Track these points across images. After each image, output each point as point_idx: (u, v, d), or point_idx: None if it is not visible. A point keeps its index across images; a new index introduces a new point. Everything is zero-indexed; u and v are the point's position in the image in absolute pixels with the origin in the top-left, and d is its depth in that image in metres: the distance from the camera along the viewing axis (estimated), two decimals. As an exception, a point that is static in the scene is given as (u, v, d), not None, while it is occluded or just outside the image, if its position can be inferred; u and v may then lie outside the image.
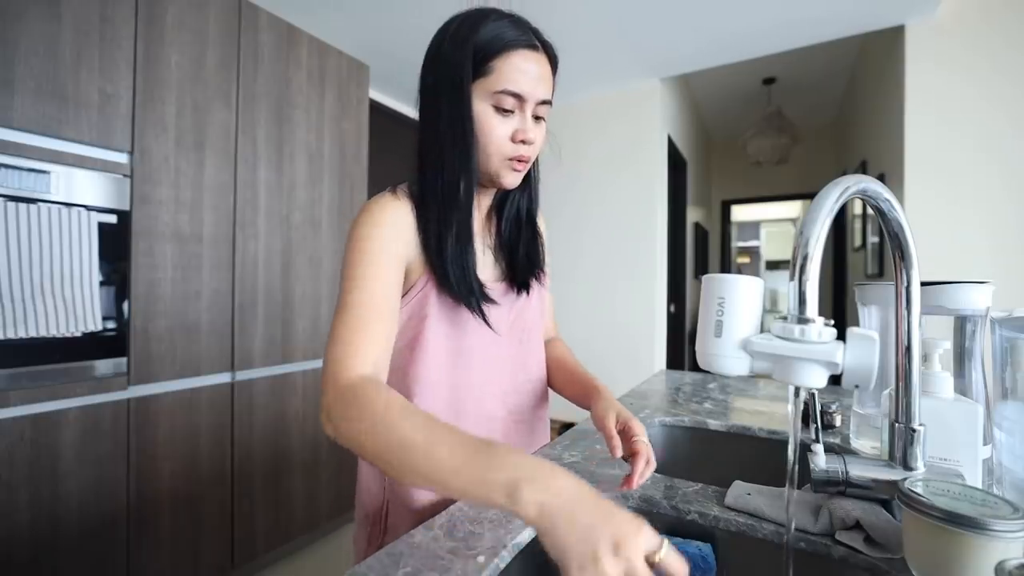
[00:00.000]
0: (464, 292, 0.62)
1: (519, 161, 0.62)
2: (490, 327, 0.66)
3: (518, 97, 0.59)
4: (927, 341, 0.55)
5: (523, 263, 0.71)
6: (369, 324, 0.54)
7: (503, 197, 0.72)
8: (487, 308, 0.64)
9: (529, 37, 0.60)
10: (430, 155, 0.62)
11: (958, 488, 0.42)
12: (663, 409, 1.02)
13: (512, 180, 0.63)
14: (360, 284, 0.55)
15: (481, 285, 0.64)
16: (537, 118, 0.62)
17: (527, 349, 0.75)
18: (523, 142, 0.60)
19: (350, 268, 0.57)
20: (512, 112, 0.60)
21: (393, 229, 0.59)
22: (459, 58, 0.58)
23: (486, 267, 0.69)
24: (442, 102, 0.60)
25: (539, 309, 0.77)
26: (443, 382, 0.66)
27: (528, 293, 0.72)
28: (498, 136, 0.60)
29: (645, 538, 0.35)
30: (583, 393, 0.72)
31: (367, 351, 0.52)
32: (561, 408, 0.83)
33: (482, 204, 0.70)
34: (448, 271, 0.61)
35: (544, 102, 0.61)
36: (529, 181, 0.71)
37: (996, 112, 2.13)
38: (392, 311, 0.57)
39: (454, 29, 0.60)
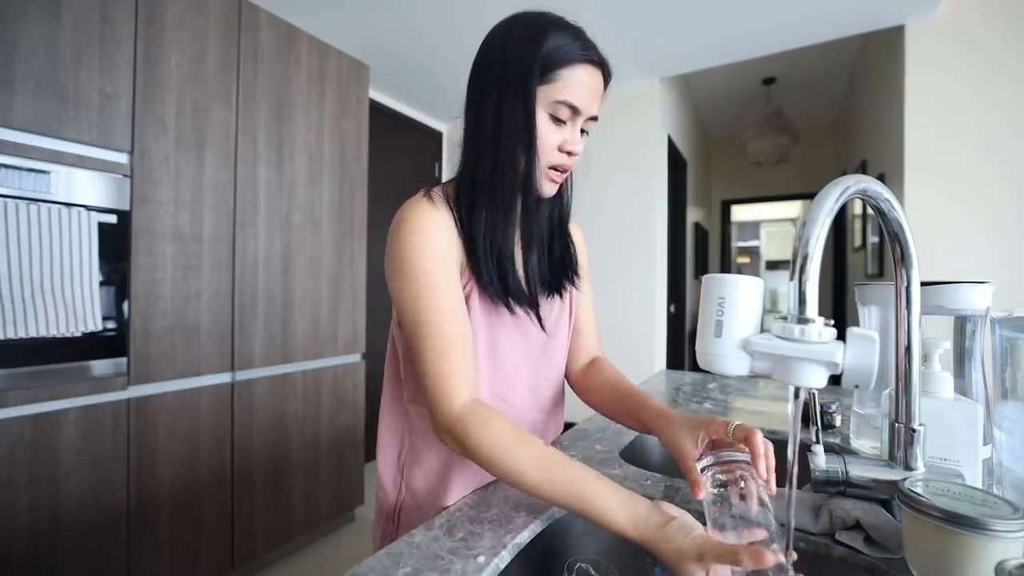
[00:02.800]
0: (510, 292, 0.62)
1: (559, 171, 0.63)
2: (541, 326, 0.67)
3: (575, 110, 0.59)
4: (927, 341, 0.55)
5: (557, 266, 0.71)
6: (454, 344, 0.57)
7: (537, 203, 0.71)
8: (528, 309, 0.65)
9: (592, 53, 0.60)
10: (483, 154, 0.61)
11: (958, 488, 0.42)
12: (663, 409, 1.02)
13: (549, 189, 0.64)
14: (432, 304, 0.57)
15: (521, 286, 0.64)
16: (582, 132, 0.64)
17: (550, 353, 0.75)
18: (568, 153, 0.61)
19: (412, 289, 0.57)
20: (564, 123, 0.60)
21: (440, 236, 0.59)
22: (528, 61, 0.58)
23: (521, 273, 0.69)
24: (504, 102, 0.59)
25: (567, 318, 0.77)
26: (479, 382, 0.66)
27: (561, 296, 0.73)
28: (548, 144, 0.60)
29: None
30: (653, 416, 0.64)
31: (462, 373, 0.56)
32: (567, 410, 0.82)
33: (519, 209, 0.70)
34: (494, 271, 0.61)
35: (592, 118, 0.63)
36: (562, 190, 0.71)
37: (996, 112, 2.13)
38: (465, 317, 0.59)
39: (521, 32, 0.60)
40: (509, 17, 0.62)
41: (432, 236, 0.58)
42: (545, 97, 0.59)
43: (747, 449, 0.50)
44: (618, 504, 0.49)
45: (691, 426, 0.56)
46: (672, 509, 0.50)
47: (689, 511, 0.58)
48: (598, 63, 0.61)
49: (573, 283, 0.74)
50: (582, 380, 0.80)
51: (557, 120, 0.60)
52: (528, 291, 0.66)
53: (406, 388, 0.68)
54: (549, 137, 0.60)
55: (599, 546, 0.64)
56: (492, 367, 0.66)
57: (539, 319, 0.67)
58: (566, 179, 0.71)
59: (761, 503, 0.46)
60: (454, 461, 0.66)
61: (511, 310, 0.63)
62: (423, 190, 0.62)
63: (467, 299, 0.62)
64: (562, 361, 0.78)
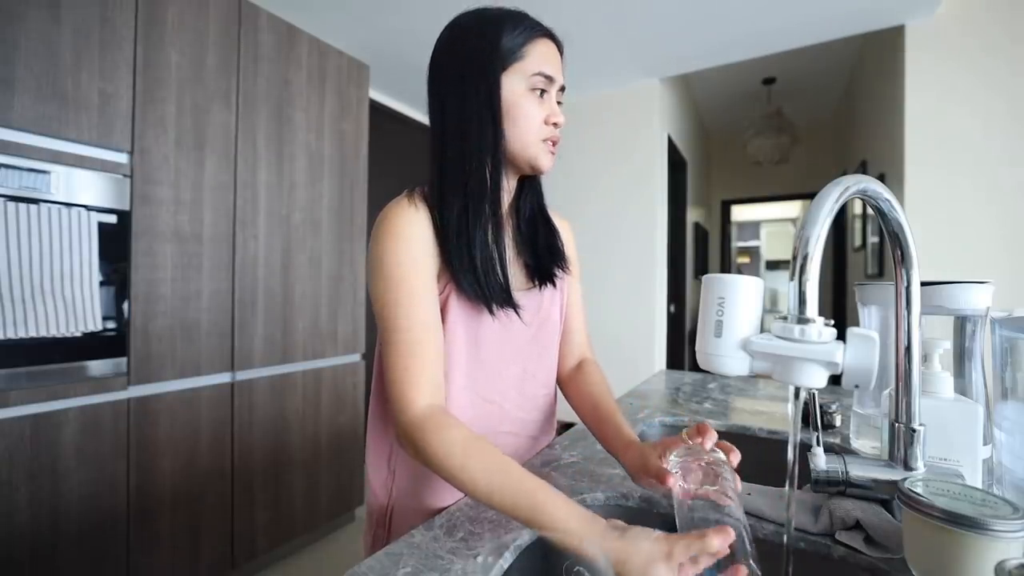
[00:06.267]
0: (491, 291, 0.61)
1: (553, 143, 0.65)
2: (519, 318, 0.66)
3: (549, 78, 0.62)
4: (927, 341, 0.55)
5: (545, 255, 0.71)
6: (420, 350, 0.56)
7: (518, 194, 0.71)
8: (507, 307, 0.64)
9: (544, 28, 0.64)
10: (452, 149, 0.61)
11: (958, 488, 0.42)
12: (663, 409, 1.02)
13: (549, 162, 0.65)
14: (402, 307, 0.57)
15: (507, 286, 0.63)
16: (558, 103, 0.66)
17: (540, 355, 0.74)
18: (555, 124, 0.64)
19: (386, 291, 0.57)
20: (543, 95, 0.63)
21: (419, 239, 0.59)
22: (489, 47, 0.61)
23: (510, 263, 0.68)
24: (469, 92, 0.61)
25: (556, 313, 0.76)
26: (459, 383, 0.65)
27: (555, 285, 0.72)
28: (537, 119, 0.62)
29: None
30: (621, 446, 0.64)
31: (422, 380, 0.56)
32: (561, 408, 0.82)
33: (504, 199, 0.69)
34: (466, 273, 0.60)
35: (561, 88, 0.66)
36: (535, 176, 0.71)
37: (996, 111, 2.13)
38: (438, 324, 0.59)
39: (476, 25, 0.62)
40: (452, 21, 0.65)
41: (409, 237, 0.58)
42: (522, 72, 0.61)
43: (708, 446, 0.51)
44: (574, 515, 0.47)
45: (652, 445, 0.57)
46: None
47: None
48: (551, 36, 0.66)
49: (563, 270, 0.73)
50: (569, 382, 0.79)
51: (539, 92, 0.63)
52: (510, 285, 0.64)
53: None
54: (535, 112, 0.62)
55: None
56: (475, 365, 0.65)
57: (523, 315, 0.66)
58: None
59: (734, 494, 0.46)
60: None
61: (490, 310, 0.62)
62: (406, 191, 0.63)
63: (447, 297, 0.62)
64: (553, 357, 0.77)
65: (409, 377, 0.55)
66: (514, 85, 0.61)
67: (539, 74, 0.61)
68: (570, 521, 0.46)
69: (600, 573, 0.48)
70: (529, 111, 0.62)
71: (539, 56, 0.62)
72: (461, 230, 0.60)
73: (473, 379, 0.66)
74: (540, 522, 0.47)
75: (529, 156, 0.63)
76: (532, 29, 0.63)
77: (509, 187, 0.68)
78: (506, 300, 0.63)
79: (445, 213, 0.60)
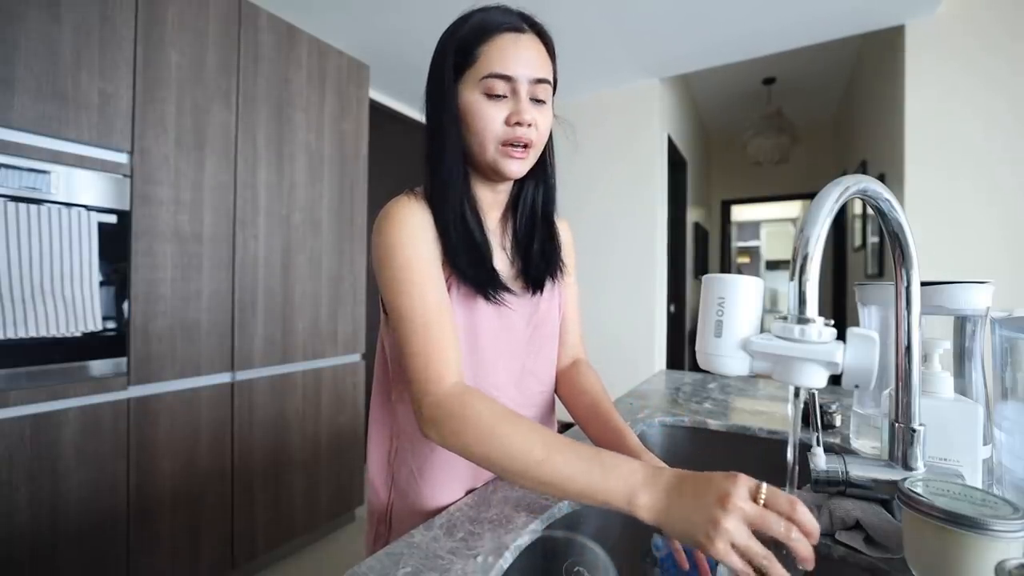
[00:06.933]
0: (476, 281, 0.62)
1: (517, 147, 0.59)
2: (517, 299, 0.66)
3: (507, 79, 0.57)
4: (927, 341, 0.55)
5: (538, 260, 0.69)
6: (438, 329, 0.56)
7: (517, 194, 0.70)
8: (504, 298, 0.64)
9: (514, 20, 0.59)
10: (429, 156, 0.63)
11: (958, 488, 0.42)
12: (663, 409, 1.02)
13: (514, 168, 0.60)
14: (414, 292, 0.57)
15: (495, 274, 0.63)
16: (537, 101, 0.60)
17: (539, 353, 0.74)
18: (518, 124, 0.58)
19: (398, 278, 0.57)
20: (504, 97, 0.58)
21: (423, 229, 0.59)
22: (445, 55, 0.60)
23: (502, 266, 0.68)
24: (432, 101, 0.62)
25: (555, 313, 0.76)
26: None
27: (542, 292, 0.71)
28: (491, 121, 0.58)
29: (743, 486, 0.40)
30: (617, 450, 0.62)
31: (446, 357, 0.55)
32: (560, 408, 0.82)
33: (497, 201, 0.69)
34: (461, 263, 0.61)
35: (540, 81, 0.59)
36: (543, 175, 0.69)
37: (997, 111, 2.13)
38: (450, 309, 0.59)
39: (445, 32, 0.62)
40: None
41: (412, 227, 0.59)
42: (474, 78, 0.58)
43: None
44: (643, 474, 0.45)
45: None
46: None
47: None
48: (523, 28, 0.59)
49: (555, 278, 0.72)
50: (562, 379, 0.79)
51: (495, 96, 0.58)
52: (507, 282, 0.65)
53: (394, 388, 0.68)
54: (490, 114, 0.58)
55: (598, 549, 0.64)
56: (473, 360, 0.66)
57: (519, 317, 0.67)
58: (547, 167, 0.70)
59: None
60: (444, 461, 0.65)
61: (488, 299, 0.63)
62: (406, 191, 0.64)
63: (449, 287, 0.62)
64: (551, 356, 0.77)
65: (434, 355, 0.55)
66: (468, 92, 0.59)
67: (490, 76, 0.57)
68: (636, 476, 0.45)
69: (600, 573, 0.48)
70: (484, 114, 0.58)
71: (495, 55, 0.57)
72: (445, 228, 0.61)
73: (471, 371, 0.66)
74: (606, 487, 0.45)
75: (488, 162, 0.60)
76: (490, 26, 0.58)
77: (497, 189, 0.67)
78: (499, 287, 0.63)
79: (439, 210, 0.62)
